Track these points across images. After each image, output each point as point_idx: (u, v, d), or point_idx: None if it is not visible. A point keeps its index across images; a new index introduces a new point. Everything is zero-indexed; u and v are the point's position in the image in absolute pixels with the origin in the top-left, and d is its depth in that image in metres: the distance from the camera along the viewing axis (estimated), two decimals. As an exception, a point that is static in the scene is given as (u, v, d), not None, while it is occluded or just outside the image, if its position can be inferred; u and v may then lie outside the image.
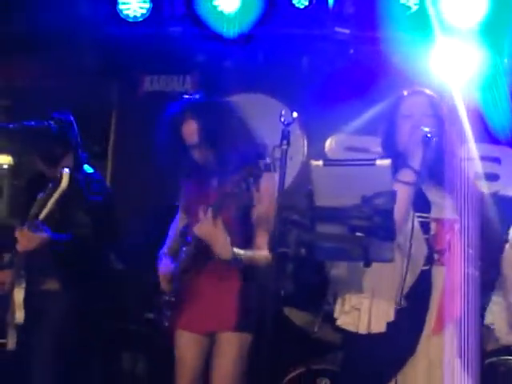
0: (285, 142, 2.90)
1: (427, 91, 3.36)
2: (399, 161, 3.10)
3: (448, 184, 3.22)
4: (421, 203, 3.17)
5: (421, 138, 3.08)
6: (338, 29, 5.34)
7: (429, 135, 3.07)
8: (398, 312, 3.15)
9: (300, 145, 5.75)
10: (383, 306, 3.15)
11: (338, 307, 3.32)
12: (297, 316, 4.77)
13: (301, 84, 5.60)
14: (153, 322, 3.94)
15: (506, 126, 5.05)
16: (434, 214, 3.19)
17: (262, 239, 3.58)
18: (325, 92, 5.41)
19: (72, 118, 4.32)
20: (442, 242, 3.18)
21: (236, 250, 3.49)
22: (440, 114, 3.28)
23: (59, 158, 4.23)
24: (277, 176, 3.49)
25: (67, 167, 3.82)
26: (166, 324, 3.73)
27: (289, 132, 2.92)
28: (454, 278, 3.14)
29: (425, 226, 3.18)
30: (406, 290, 3.13)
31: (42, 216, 3.77)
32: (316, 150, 5.71)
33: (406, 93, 3.36)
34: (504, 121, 5.02)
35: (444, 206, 3.19)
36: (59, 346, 4.10)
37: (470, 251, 3.18)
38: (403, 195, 2.93)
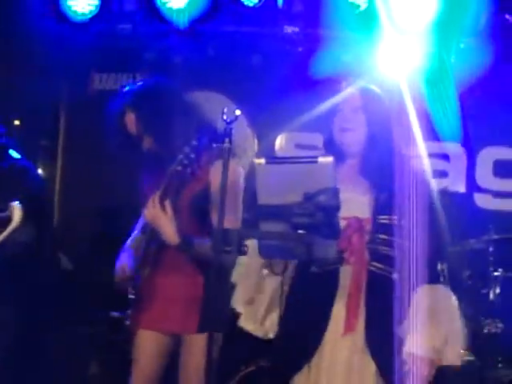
0: (227, 139, 2.84)
1: (364, 84, 3.29)
2: (339, 158, 3.08)
3: (380, 179, 3.16)
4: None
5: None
6: (286, 27, 5.36)
7: None
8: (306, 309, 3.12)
9: (250, 143, 5.75)
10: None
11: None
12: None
13: (251, 82, 5.60)
14: (115, 321, 3.87)
15: (454, 124, 5.10)
16: (344, 212, 2.97)
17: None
18: (274, 90, 5.42)
19: None
20: (348, 241, 3.07)
21: (186, 236, 3.41)
22: (374, 109, 3.21)
23: None
24: (233, 161, 3.49)
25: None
26: (128, 323, 3.63)
27: (231, 130, 2.88)
28: (359, 278, 3.07)
29: None
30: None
31: None
32: (266, 148, 5.71)
33: (343, 84, 3.31)
34: (451, 119, 5.07)
35: (358, 204, 3.12)
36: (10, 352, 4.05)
37: (391, 251, 3.12)
38: None
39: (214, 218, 3.45)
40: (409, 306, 3.01)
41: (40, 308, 4.21)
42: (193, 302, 3.53)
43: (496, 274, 4.60)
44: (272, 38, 5.48)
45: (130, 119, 3.58)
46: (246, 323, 3.30)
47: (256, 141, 5.80)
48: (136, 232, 3.81)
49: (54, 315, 4.46)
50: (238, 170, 3.57)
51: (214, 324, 3.44)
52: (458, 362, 3.12)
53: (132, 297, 3.61)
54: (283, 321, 3.18)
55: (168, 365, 3.69)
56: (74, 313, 5.02)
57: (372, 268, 3.10)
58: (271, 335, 3.26)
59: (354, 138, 3.20)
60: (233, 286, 3.28)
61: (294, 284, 3.18)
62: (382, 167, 3.15)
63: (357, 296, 3.07)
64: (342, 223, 2.98)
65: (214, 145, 3.10)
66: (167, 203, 3.36)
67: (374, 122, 3.19)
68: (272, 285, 3.21)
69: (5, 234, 3.65)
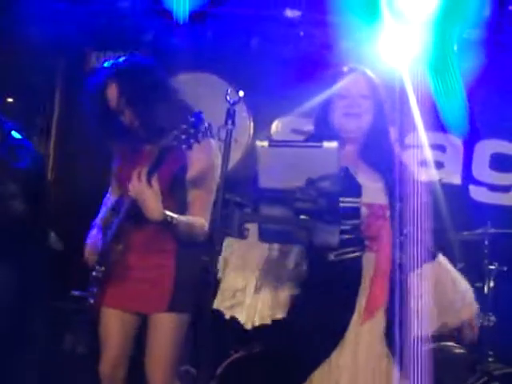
0: (230, 121, 2.84)
1: (367, 71, 3.28)
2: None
3: (382, 168, 3.15)
4: (350, 187, 3.02)
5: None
6: (288, 10, 5.30)
7: None
8: (327, 299, 3.07)
9: (246, 126, 5.71)
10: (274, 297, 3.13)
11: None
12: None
13: (249, 65, 5.55)
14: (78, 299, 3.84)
15: (456, 114, 5.07)
16: (365, 198, 3.04)
17: (196, 205, 3.51)
18: (273, 74, 5.37)
19: None
20: (372, 228, 3.07)
21: (169, 212, 3.38)
22: (378, 97, 3.21)
23: None
24: (214, 142, 3.47)
25: None
26: (92, 301, 3.61)
27: (234, 111, 2.86)
28: (383, 266, 3.05)
29: (355, 212, 3.05)
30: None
31: None
32: (262, 132, 5.67)
33: (345, 69, 3.28)
34: (454, 108, 5.04)
35: (375, 191, 3.10)
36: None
37: (402, 238, 3.10)
38: None
39: (191, 199, 3.47)
40: (418, 284, 3.03)
41: (26, 282, 4.19)
42: (162, 282, 3.53)
43: (491, 267, 4.59)
44: (273, 20, 5.42)
45: (112, 91, 3.55)
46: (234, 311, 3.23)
47: (252, 124, 5.76)
48: (104, 209, 3.80)
49: (38, 290, 4.41)
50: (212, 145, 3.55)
51: (184, 304, 3.47)
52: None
53: (98, 274, 3.57)
54: (301, 309, 3.13)
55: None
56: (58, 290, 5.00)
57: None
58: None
59: (358, 123, 3.17)
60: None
61: (312, 271, 3.13)
62: (384, 155, 3.15)
63: (381, 284, 3.05)
64: (363, 210, 2.99)
65: (206, 124, 3.07)
66: (154, 178, 3.32)
67: (378, 110, 3.18)
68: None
69: None
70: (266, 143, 2.74)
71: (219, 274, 3.14)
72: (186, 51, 5.54)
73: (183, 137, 3.14)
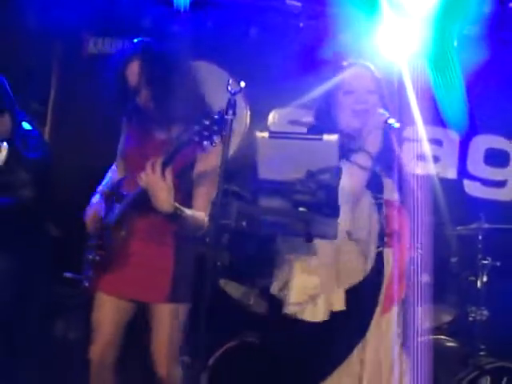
0: (230, 111, 2.84)
1: (369, 65, 3.28)
2: (345, 139, 3.03)
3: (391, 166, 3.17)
4: (375, 184, 3.09)
5: (381, 123, 3.05)
6: (289, 1, 5.29)
7: (391, 121, 3.03)
8: (353, 297, 3.09)
9: (243, 116, 5.69)
10: (336, 294, 3.09)
11: (277, 284, 3.21)
12: (232, 288, 4.74)
13: (248, 54, 5.54)
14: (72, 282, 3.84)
15: (455, 109, 5.07)
16: (385, 195, 3.12)
17: (200, 200, 3.50)
18: (272, 64, 5.37)
19: (2, 78, 4.20)
20: (392, 223, 3.11)
21: (178, 205, 3.37)
22: (381, 91, 3.22)
23: None
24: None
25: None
26: (86, 284, 3.62)
27: (235, 102, 2.86)
28: (401, 260, 3.10)
29: (379, 208, 3.11)
30: (366, 272, 3.09)
31: None
32: (259, 122, 5.66)
33: (345, 63, 3.28)
34: (453, 103, 5.04)
35: (390, 188, 3.15)
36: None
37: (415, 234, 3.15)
38: (358, 178, 2.91)
39: (195, 193, 3.48)
40: None
41: (27, 264, 4.20)
42: (162, 273, 3.54)
43: (484, 262, 4.60)
44: (273, 11, 5.41)
45: (134, 68, 3.55)
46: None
47: (249, 114, 5.75)
48: (109, 180, 3.79)
49: (39, 276, 4.42)
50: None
51: (183, 295, 3.48)
52: None
53: (96, 258, 3.57)
54: None
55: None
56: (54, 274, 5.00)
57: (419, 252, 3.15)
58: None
59: (365, 120, 3.14)
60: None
61: None
62: (387, 151, 3.14)
63: (398, 280, 3.10)
64: (384, 206, 3.05)
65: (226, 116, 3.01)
66: (168, 170, 3.30)
67: (382, 105, 3.18)
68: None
69: None
70: (266, 134, 2.74)
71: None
72: (183, 39, 5.51)
73: (206, 133, 3.09)
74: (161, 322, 3.58)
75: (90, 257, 3.59)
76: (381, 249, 3.11)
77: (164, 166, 3.29)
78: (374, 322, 3.09)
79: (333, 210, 2.71)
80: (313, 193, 2.65)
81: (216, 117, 3.07)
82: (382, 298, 3.11)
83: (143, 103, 3.57)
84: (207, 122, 3.08)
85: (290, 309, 3.12)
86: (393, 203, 3.12)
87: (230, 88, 2.87)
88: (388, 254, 3.12)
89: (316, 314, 3.07)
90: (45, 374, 4.57)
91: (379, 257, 3.10)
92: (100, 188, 3.76)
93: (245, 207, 2.78)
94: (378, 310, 3.11)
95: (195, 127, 3.12)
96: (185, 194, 3.50)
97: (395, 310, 3.12)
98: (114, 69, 3.58)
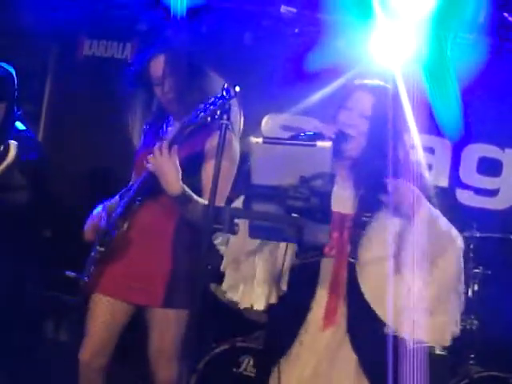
0: (225, 116, 2.84)
1: (376, 87, 3.22)
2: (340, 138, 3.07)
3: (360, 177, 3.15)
4: None
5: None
6: (284, 7, 5.29)
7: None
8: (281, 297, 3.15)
9: (237, 121, 5.68)
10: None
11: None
12: (223, 292, 4.72)
13: (242, 60, 5.55)
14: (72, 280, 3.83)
15: (450, 116, 5.08)
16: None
17: (207, 194, 3.49)
18: (266, 70, 5.38)
19: (10, 71, 4.18)
20: (333, 234, 3.07)
21: (186, 188, 3.37)
22: (380, 115, 3.13)
23: None
24: (235, 138, 3.70)
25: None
26: (86, 279, 3.58)
27: (230, 107, 2.86)
28: (339, 272, 3.07)
29: None
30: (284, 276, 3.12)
31: None
32: (252, 127, 5.65)
33: (356, 83, 3.25)
34: (448, 111, 5.04)
35: (343, 200, 3.11)
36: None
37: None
38: None
39: (203, 187, 3.49)
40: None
41: (22, 267, 4.20)
42: (160, 276, 3.54)
43: (475, 271, 4.61)
44: (267, 17, 5.42)
45: (158, 61, 3.62)
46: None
47: (242, 119, 5.74)
48: (118, 197, 3.77)
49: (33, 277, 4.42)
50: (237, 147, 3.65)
51: (180, 300, 3.47)
52: None
53: (96, 255, 3.56)
54: (275, 305, 3.19)
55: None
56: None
57: (352, 261, 3.08)
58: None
59: (352, 144, 3.12)
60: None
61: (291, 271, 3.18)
62: (372, 166, 3.09)
63: (337, 289, 3.07)
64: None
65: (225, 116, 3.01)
66: (174, 149, 3.33)
67: (375, 129, 3.12)
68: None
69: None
70: (259, 139, 2.73)
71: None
72: (178, 43, 5.51)
73: (210, 108, 3.13)
74: (156, 327, 3.58)
75: (93, 254, 3.58)
76: (317, 258, 3.09)
77: (170, 145, 3.32)
78: (311, 332, 3.09)
79: (325, 216, 2.72)
80: (306, 199, 2.64)
81: (220, 101, 3.03)
82: (319, 310, 3.08)
83: (163, 95, 3.62)
84: (211, 107, 3.10)
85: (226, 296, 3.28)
86: (334, 214, 3.05)
87: (224, 93, 2.87)
88: (326, 264, 3.10)
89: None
90: (37, 375, 4.57)
91: (314, 267, 3.10)
92: (105, 203, 3.74)
93: (237, 212, 2.77)
94: (316, 319, 3.08)
95: (197, 111, 3.19)
96: (191, 185, 3.45)
97: (341, 320, 3.08)
98: (139, 63, 3.68)
